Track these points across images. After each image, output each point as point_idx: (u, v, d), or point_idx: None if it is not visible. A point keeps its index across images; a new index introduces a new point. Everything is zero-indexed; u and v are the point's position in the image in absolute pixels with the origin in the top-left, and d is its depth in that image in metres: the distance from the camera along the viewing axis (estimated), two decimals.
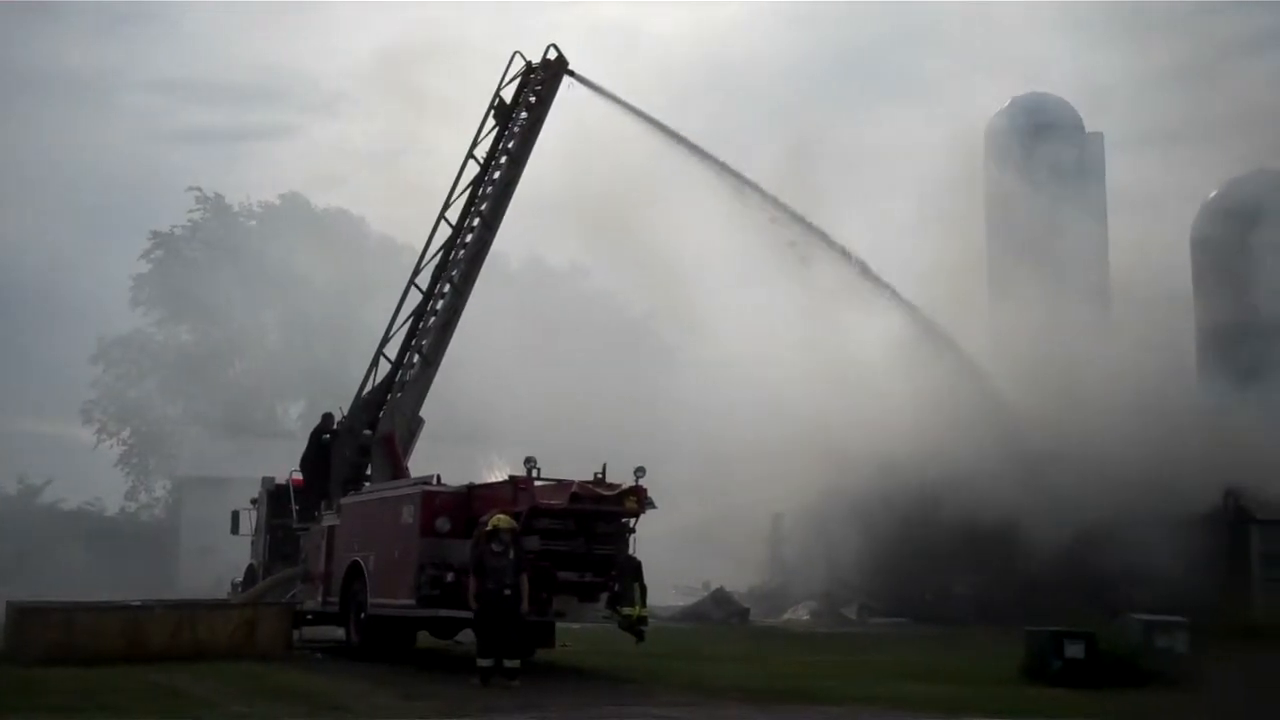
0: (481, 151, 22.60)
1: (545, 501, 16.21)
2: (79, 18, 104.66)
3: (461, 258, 22.05)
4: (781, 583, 34.84)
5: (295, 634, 19.74)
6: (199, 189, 63.26)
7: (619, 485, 16.39)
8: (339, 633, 19.82)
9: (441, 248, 22.23)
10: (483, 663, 15.07)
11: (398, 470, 20.60)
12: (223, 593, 25.15)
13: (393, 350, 22.21)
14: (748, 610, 32.73)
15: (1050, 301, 30.52)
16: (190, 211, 63.36)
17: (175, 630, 17.96)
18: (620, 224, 33.48)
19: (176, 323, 61.86)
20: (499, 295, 31.48)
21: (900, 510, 29.47)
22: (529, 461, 16.09)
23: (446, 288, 21.93)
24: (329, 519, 20.38)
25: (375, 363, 22.34)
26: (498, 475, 17.90)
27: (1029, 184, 34.27)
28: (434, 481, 17.61)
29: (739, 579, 34.78)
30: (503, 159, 22.45)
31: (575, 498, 16.20)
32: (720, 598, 32.93)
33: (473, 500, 17.05)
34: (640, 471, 16.46)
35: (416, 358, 21.83)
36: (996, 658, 18.13)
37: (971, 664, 18.96)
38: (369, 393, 22.00)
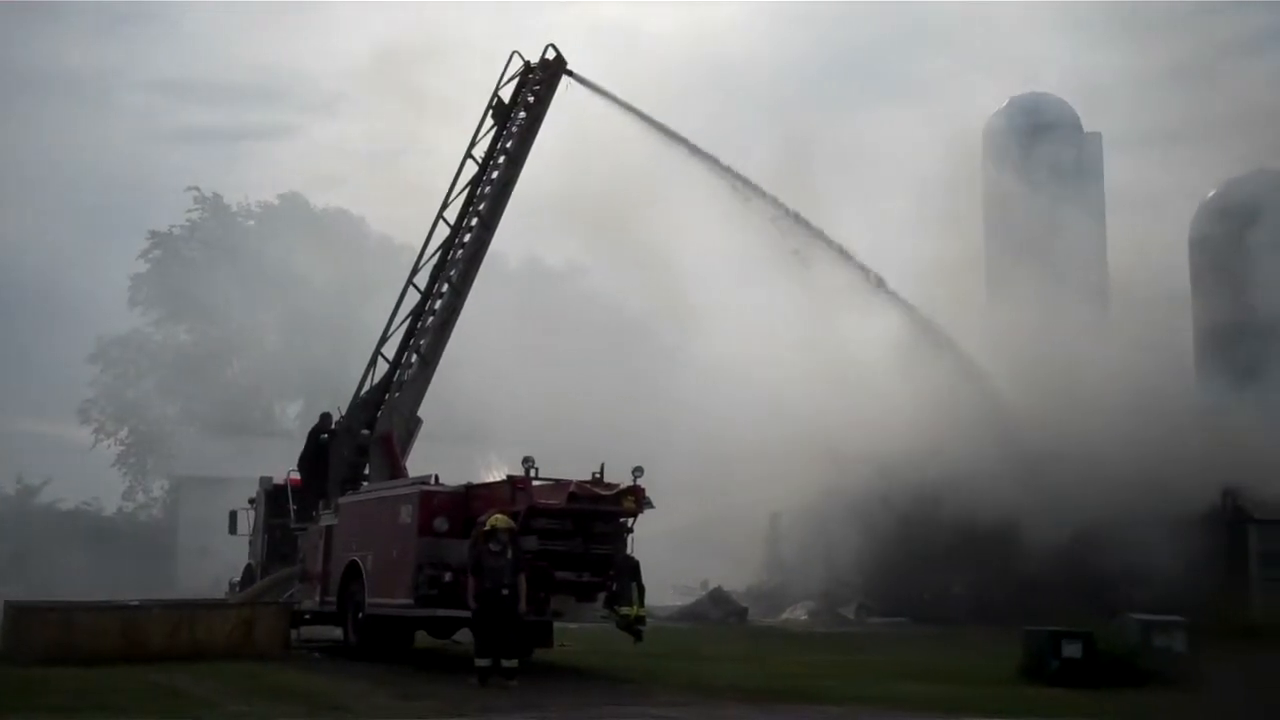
0: (480, 151, 22.61)
1: (543, 501, 16.18)
2: (79, 18, 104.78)
3: (460, 257, 22.03)
4: (780, 582, 34.77)
5: (293, 634, 19.74)
6: (198, 189, 63.50)
7: (617, 485, 16.37)
8: (337, 632, 19.78)
9: (440, 247, 22.20)
10: (481, 662, 15.05)
11: (396, 470, 20.59)
12: (221, 592, 25.08)
13: (391, 350, 22.16)
14: (746, 610, 32.71)
15: (1049, 301, 30.51)
16: (189, 211, 63.56)
17: (173, 630, 17.97)
18: (619, 224, 33.51)
19: (175, 322, 61.91)
20: (497, 295, 31.38)
21: (899, 510, 29.48)
22: (527, 461, 16.06)
23: (445, 287, 21.91)
24: (327, 519, 20.34)
25: (373, 362, 22.30)
26: (496, 475, 17.84)
27: (1027, 184, 34.29)
28: (432, 481, 17.59)
29: (737, 579, 34.73)
30: (501, 159, 22.44)
31: (573, 497, 16.20)
32: (718, 597, 32.90)
33: (471, 500, 17.03)
34: (638, 471, 16.45)
35: (415, 357, 21.79)
36: (995, 657, 18.09)
37: (970, 664, 18.93)
38: (367, 392, 21.97)
